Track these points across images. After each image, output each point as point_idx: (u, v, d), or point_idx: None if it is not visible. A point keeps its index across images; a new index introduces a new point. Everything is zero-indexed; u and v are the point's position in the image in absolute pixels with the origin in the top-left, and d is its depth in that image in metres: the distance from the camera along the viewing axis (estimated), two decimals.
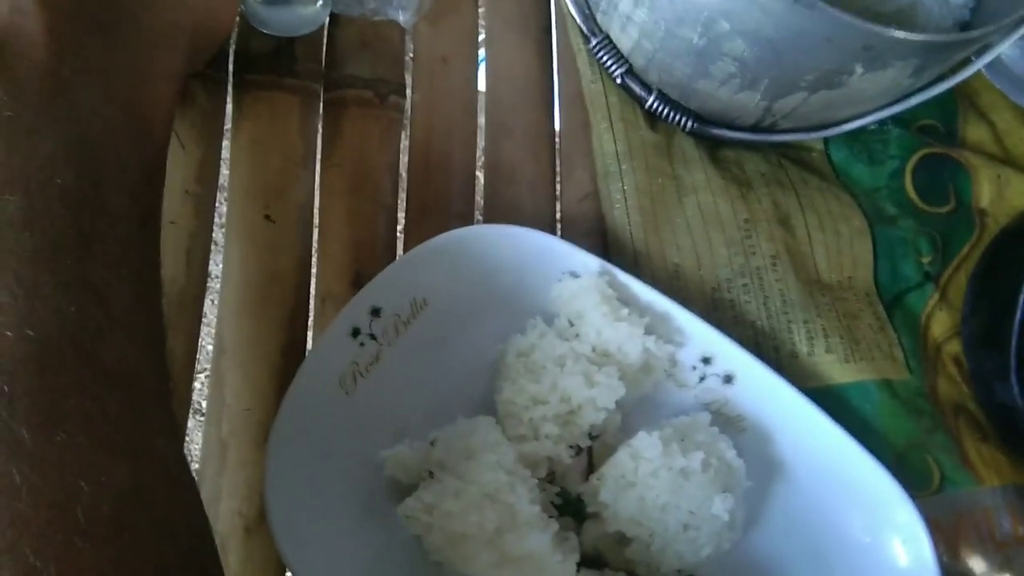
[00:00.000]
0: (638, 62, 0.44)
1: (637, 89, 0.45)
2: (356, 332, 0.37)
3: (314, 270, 0.42)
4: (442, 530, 0.34)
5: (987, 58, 0.38)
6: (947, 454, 0.43)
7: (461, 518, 0.33)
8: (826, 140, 0.49)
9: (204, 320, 0.40)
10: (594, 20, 0.46)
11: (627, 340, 0.38)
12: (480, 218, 0.45)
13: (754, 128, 0.45)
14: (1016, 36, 0.38)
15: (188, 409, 0.38)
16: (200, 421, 0.38)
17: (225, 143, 0.42)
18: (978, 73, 0.42)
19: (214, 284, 0.40)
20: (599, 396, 0.37)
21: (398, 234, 0.44)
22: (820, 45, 0.35)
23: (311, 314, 0.41)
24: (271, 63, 0.43)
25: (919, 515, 0.37)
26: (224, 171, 0.42)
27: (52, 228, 0.26)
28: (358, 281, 0.41)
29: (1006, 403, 0.43)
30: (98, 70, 0.30)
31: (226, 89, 0.43)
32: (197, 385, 0.39)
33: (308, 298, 0.41)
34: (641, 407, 0.40)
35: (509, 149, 0.47)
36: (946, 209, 0.49)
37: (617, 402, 0.37)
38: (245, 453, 0.37)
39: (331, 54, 0.45)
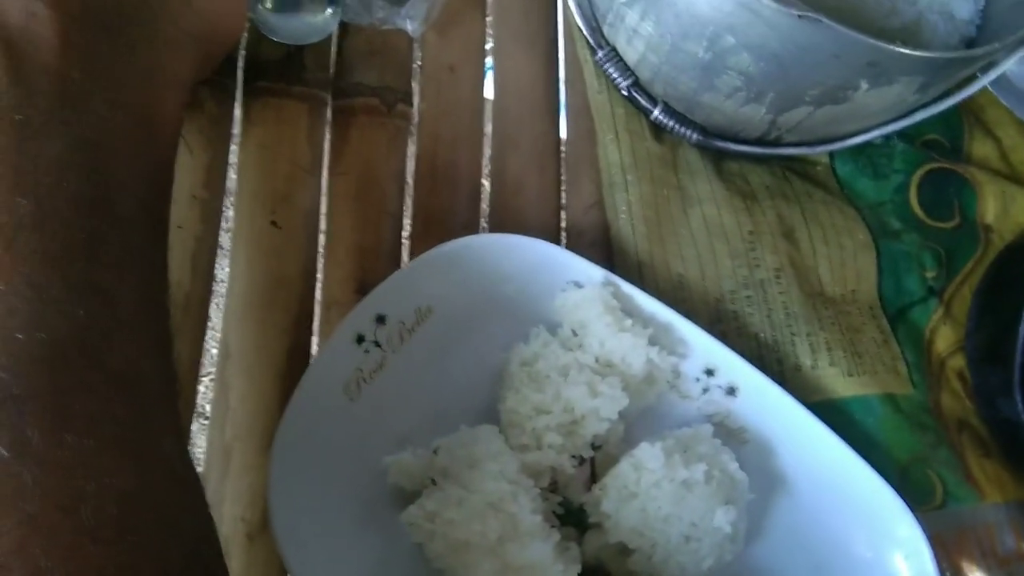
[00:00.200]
0: (644, 74, 0.45)
1: (643, 101, 0.45)
2: (361, 339, 0.37)
3: (319, 276, 0.42)
4: (444, 538, 0.34)
5: (992, 75, 0.39)
6: (950, 469, 0.43)
7: (463, 526, 0.33)
8: (831, 154, 0.49)
9: (209, 324, 0.40)
10: (601, 32, 0.46)
11: (631, 351, 0.38)
12: (485, 227, 0.46)
13: (759, 141, 0.45)
14: (1022, 52, 0.38)
15: (192, 413, 0.38)
16: (204, 424, 0.39)
17: (233, 149, 0.43)
18: (984, 89, 0.42)
19: (220, 289, 0.40)
20: (602, 406, 0.37)
21: (403, 242, 0.44)
22: (825, 60, 0.35)
23: (316, 320, 0.41)
24: (280, 70, 0.44)
25: (921, 530, 0.37)
26: (231, 176, 0.42)
27: (61, 231, 0.26)
28: (363, 288, 0.41)
29: (1010, 419, 0.43)
30: (108, 75, 0.30)
31: (235, 96, 0.43)
32: (201, 389, 0.39)
33: (313, 304, 0.41)
34: (644, 418, 0.40)
35: (515, 158, 0.47)
36: (951, 224, 0.49)
37: (620, 413, 0.38)
38: (249, 458, 0.37)
39: (340, 62, 0.45)
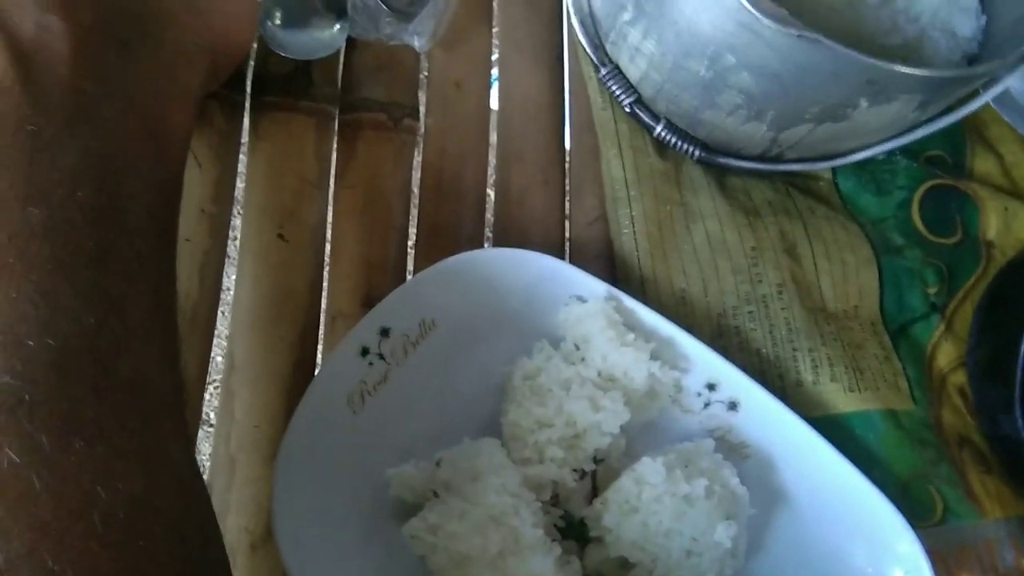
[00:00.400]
0: (646, 92, 0.45)
1: (646, 118, 0.46)
2: (365, 351, 0.38)
3: (325, 289, 0.42)
4: (446, 551, 0.34)
5: (994, 91, 0.39)
6: (951, 486, 0.43)
7: (465, 539, 0.34)
8: (834, 169, 0.49)
9: (216, 335, 0.40)
10: (604, 50, 0.47)
11: (633, 365, 0.39)
12: (490, 240, 0.46)
13: (761, 158, 0.46)
14: (1023, 69, 0.39)
15: (198, 423, 0.38)
16: (208, 432, 0.39)
17: (241, 162, 0.43)
18: (986, 105, 0.43)
19: (226, 300, 0.40)
20: (604, 421, 0.37)
21: (408, 255, 0.44)
22: (824, 79, 0.35)
23: (321, 332, 0.41)
24: (288, 85, 0.44)
25: (922, 546, 0.37)
26: (239, 187, 0.43)
27: (72, 240, 0.26)
28: (368, 301, 0.42)
29: (1010, 435, 0.43)
30: (119, 87, 0.30)
31: (243, 110, 0.44)
32: (207, 398, 0.40)
33: (319, 316, 0.41)
34: (645, 432, 0.41)
35: (519, 173, 0.47)
36: (953, 240, 0.49)
37: (622, 427, 0.38)
38: (253, 469, 0.38)
39: (347, 77, 0.46)
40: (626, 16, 0.42)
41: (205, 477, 0.37)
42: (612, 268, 0.45)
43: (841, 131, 0.40)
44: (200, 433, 0.38)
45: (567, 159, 0.48)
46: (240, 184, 0.43)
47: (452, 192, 0.46)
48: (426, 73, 0.48)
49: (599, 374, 0.39)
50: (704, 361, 0.40)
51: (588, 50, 0.47)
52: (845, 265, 0.46)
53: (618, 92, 0.46)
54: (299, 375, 0.40)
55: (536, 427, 0.38)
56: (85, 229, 0.27)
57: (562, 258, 0.44)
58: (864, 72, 0.34)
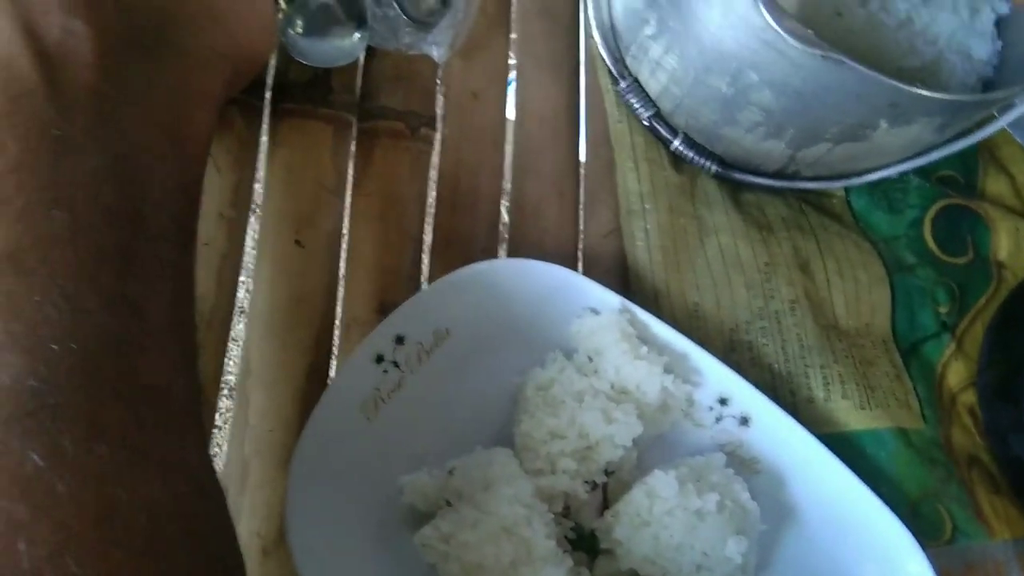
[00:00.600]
0: (665, 106, 0.45)
1: (663, 132, 0.46)
2: (380, 359, 0.38)
3: (340, 295, 0.42)
4: (458, 560, 0.34)
5: (1010, 116, 0.39)
6: (960, 505, 0.43)
7: (477, 549, 0.34)
8: (847, 187, 0.49)
9: (231, 339, 0.40)
10: (624, 63, 0.47)
11: (646, 378, 0.39)
12: (504, 250, 0.46)
13: (777, 175, 0.46)
14: None
15: (212, 427, 0.38)
16: (223, 437, 0.39)
17: (260, 168, 0.43)
18: None
19: (242, 303, 0.41)
20: (617, 433, 0.37)
21: (423, 263, 0.45)
22: (847, 100, 0.36)
23: (336, 339, 0.42)
24: (307, 92, 0.44)
25: (931, 566, 0.37)
26: (258, 192, 0.43)
27: (96, 244, 0.26)
28: (383, 308, 0.42)
29: (1020, 456, 0.43)
30: (142, 93, 0.30)
31: (263, 116, 0.44)
32: (221, 402, 0.40)
33: (333, 322, 0.42)
34: (656, 445, 0.41)
35: (535, 184, 0.47)
36: (964, 260, 0.49)
37: (634, 440, 0.38)
38: (266, 473, 0.38)
39: (365, 86, 0.46)
40: (648, 30, 0.42)
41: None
42: (625, 281, 0.45)
43: (859, 151, 0.41)
44: (214, 437, 0.38)
45: (582, 171, 0.49)
46: (258, 189, 0.43)
47: (467, 202, 0.46)
48: (444, 83, 0.48)
49: (612, 386, 0.39)
50: (716, 376, 0.40)
51: (608, 63, 0.47)
52: (858, 282, 0.46)
53: (637, 105, 0.46)
54: (313, 380, 0.40)
55: (549, 438, 0.38)
56: (108, 233, 0.27)
57: (575, 270, 0.44)
58: (887, 94, 0.34)
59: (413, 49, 0.47)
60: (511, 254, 0.46)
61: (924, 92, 0.33)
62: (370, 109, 0.46)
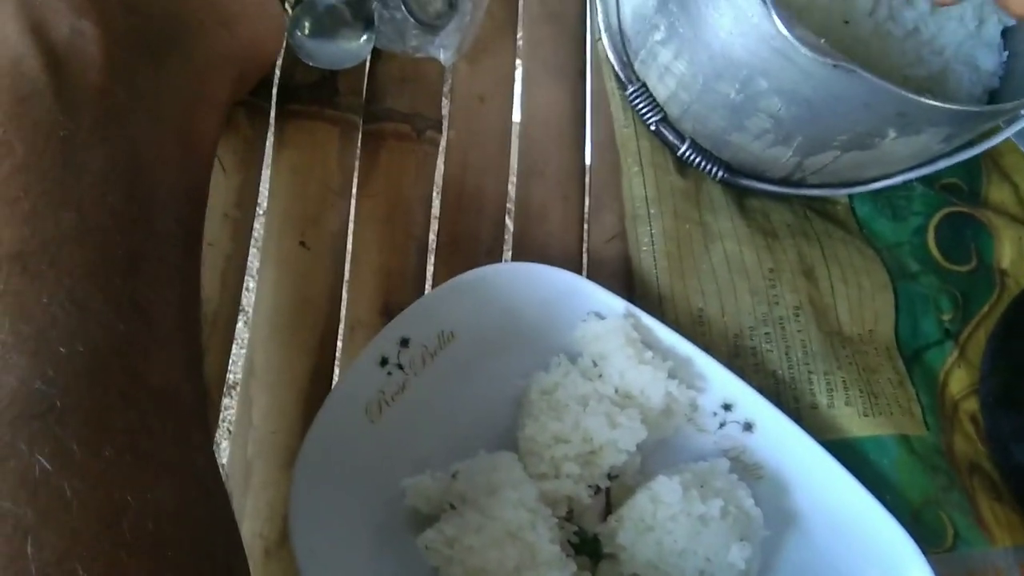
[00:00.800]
0: (673, 111, 0.45)
1: (670, 137, 0.46)
2: (384, 361, 0.38)
3: (344, 297, 0.42)
4: (462, 564, 0.34)
5: (1016, 127, 0.39)
6: (961, 512, 0.43)
7: (481, 553, 0.34)
8: (851, 194, 0.49)
9: (235, 341, 0.40)
10: (631, 68, 0.47)
11: (650, 383, 0.39)
12: (509, 254, 0.46)
13: (783, 181, 0.46)
14: None
15: (216, 428, 0.38)
16: (227, 439, 0.39)
17: (265, 169, 0.43)
18: None
19: (247, 306, 0.41)
20: (621, 438, 0.37)
21: (428, 266, 0.45)
22: (856, 109, 0.36)
23: (339, 341, 0.42)
24: (314, 94, 0.44)
25: (933, 573, 0.37)
26: (263, 193, 0.43)
27: (103, 246, 0.26)
28: (387, 310, 0.42)
29: (1022, 464, 0.43)
30: (149, 94, 0.30)
31: (269, 118, 0.44)
32: (225, 404, 0.40)
33: (338, 324, 0.42)
34: (660, 450, 0.41)
35: (540, 188, 0.48)
36: (967, 268, 0.50)
37: (637, 444, 0.38)
38: (269, 475, 0.38)
39: (372, 88, 0.46)
40: (658, 36, 0.42)
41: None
42: (629, 285, 0.45)
43: (866, 160, 0.41)
44: (217, 438, 0.38)
45: (587, 176, 0.49)
46: (263, 190, 0.43)
47: (472, 205, 0.46)
48: (450, 86, 0.48)
49: (616, 391, 0.39)
50: (720, 381, 0.40)
51: (616, 67, 0.47)
52: (861, 289, 0.46)
53: (644, 110, 0.46)
54: (317, 382, 0.40)
55: (552, 442, 0.38)
56: (115, 235, 0.27)
57: (580, 274, 0.44)
58: (896, 104, 0.34)
59: (420, 52, 0.47)
60: (516, 257, 0.46)
61: (934, 103, 0.34)
62: (376, 111, 0.46)
